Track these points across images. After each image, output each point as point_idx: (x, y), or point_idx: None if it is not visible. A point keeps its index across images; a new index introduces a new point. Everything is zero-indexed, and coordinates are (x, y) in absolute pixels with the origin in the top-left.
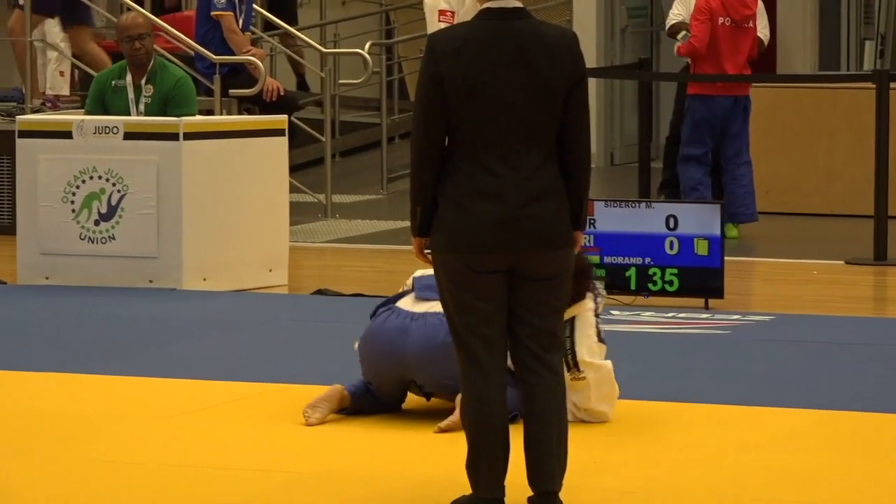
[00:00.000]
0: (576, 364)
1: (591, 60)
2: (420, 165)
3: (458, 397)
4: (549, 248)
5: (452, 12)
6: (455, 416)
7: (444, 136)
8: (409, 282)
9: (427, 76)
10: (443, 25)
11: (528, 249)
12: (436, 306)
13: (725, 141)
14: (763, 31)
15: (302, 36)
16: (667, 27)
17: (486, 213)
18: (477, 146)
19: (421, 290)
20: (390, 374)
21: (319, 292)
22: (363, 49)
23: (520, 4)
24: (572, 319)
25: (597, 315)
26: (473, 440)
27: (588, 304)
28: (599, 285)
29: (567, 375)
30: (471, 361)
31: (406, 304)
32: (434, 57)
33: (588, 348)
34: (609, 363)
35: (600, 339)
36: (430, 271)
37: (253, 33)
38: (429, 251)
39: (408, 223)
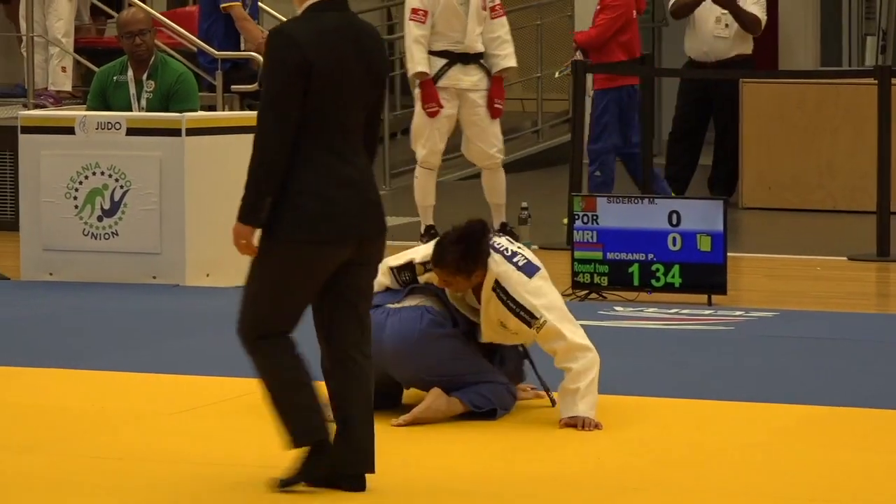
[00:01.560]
0: (530, 314)
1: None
2: (275, 155)
3: (433, 390)
4: (385, 231)
5: (425, 12)
6: (417, 411)
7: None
8: (386, 276)
9: (292, 66)
10: (412, 24)
11: (375, 234)
12: (417, 299)
13: (631, 130)
14: (754, 8)
15: None
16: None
17: (348, 202)
18: (332, 135)
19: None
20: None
21: None
22: None
23: None
24: (497, 283)
25: (514, 261)
26: (278, 399)
27: (495, 268)
28: (498, 238)
29: (532, 330)
30: (272, 332)
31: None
32: (299, 47)
33: (529, 293)
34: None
35: (529, 272)
36: (402, 259)
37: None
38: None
39: (409, 218)
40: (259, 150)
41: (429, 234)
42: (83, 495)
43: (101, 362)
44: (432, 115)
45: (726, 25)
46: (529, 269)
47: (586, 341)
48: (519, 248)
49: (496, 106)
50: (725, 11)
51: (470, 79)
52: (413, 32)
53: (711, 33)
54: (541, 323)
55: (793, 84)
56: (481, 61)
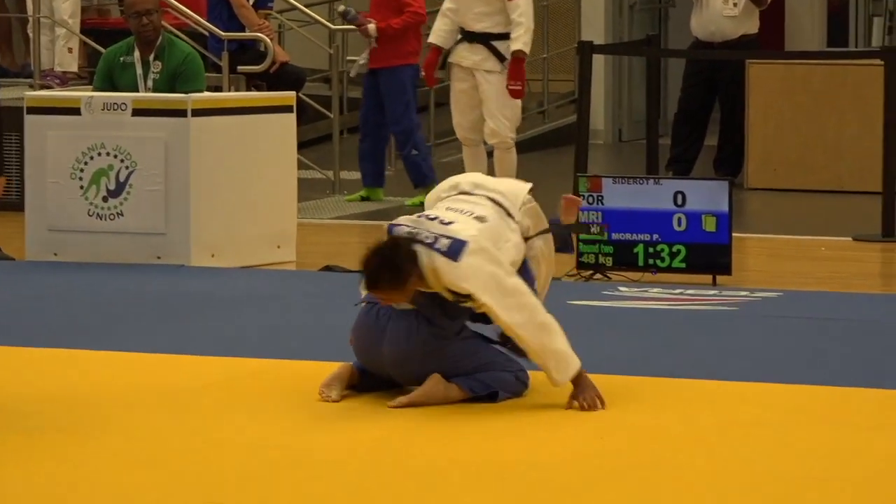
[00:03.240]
0: (468, 297)
1: (599, 37)
2: None
3: (432, 376)
4: None
5: None
6: (414, 395)
7: None
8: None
9: None
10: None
11: None
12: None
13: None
14: None
15: (309, 12)
16: None
17: None
18: None
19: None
20: (374, 369)
21: (327, 268)
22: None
23: None
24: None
25: (436, 247)
26: None
27: (428, 263)
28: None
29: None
30: None
31: None
32: None
33: (460, 279)
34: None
35: (454, 254)
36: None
37: (270, 10)
38: None
39: (417, 198)
40: None
41: None
42: (89, 476)
43: (105, 342)
44: (427, 83)
45: (734, 4)
46: (454, 251)
47: (522, 315)
48: (443, 222)
49: (509, 87)
50: None
51: (473, 57)
52: (444, 5)
53: (720, 13)
54: (480, 304)
55: (799, 65)
56: (494, 42)
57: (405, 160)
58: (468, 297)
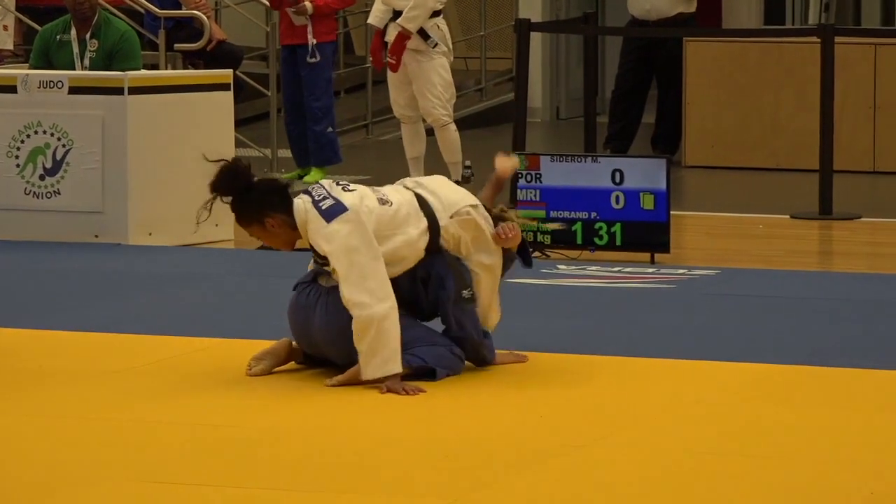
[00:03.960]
0: (325, 260)
1: (536, 14)
2: None
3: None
4: None
5: None
6: (349, 372)
7: None
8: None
9: None
10: None
11: None
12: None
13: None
14: None
15: None
16: None
17: None
18: None
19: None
20: (311, 349)
21: (265, 247)
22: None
23: None
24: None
25: (319, 205)
26: None
27: (302, 215)
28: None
29: None
30: None
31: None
32: None
33: (323, 238)
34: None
35: (329, 215)
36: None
37: None
38: None
39: (354, 177)
40: None
41: None
42: (25, 454)
43: (42, 321)
44: (375, 66)
45: None
46: (330, 212)
47: (363, 296)
48: (345, 189)
49: (387, 60)
50: None
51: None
52: None
53: None
54: (332, 269)
55: (736, 42)
56: None
57: (318, 137)
58: (326, 260)
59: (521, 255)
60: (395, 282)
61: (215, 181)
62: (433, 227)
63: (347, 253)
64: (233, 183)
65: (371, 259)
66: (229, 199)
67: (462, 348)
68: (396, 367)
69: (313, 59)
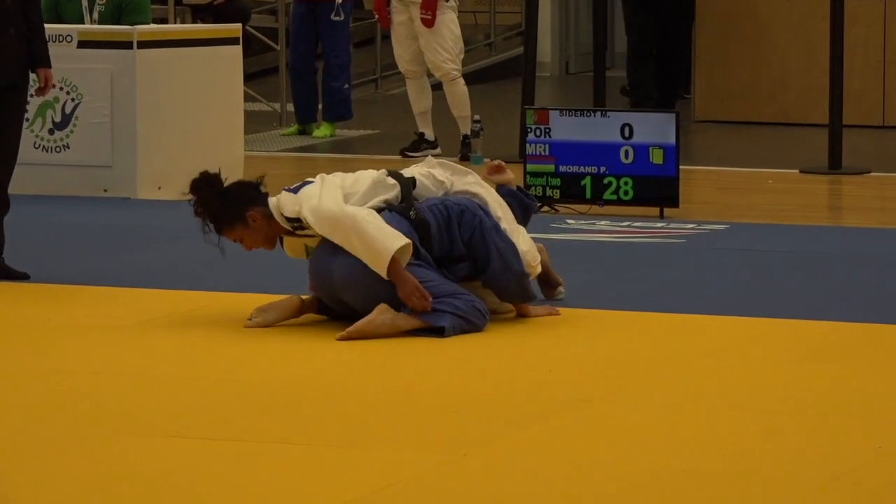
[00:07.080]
0: (298, 222)
1: None
2: None
3: (380, 305)
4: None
5: None
6: (360, 324)
7: None
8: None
9: None
10: None
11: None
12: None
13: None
14: None
15: None
16: None
17: None
18: None
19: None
20: (328, 298)
21: None
22: None
23: None
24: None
25: (290, 188)
26: None
27: (274, 202)
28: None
29: (317, 235)
30: None
31: None
32: None
33: (291, 202)
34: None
35: (297, 189)
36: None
37: None
38: None
39: (364, 132)
40: None
41: (422, 140)
42: (35, 410)
43: (51, 275)
44: (381, 24)
45: None
46: (299, 187)
47: (336, 205)
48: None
49: (421, 17)
50: None
51: None
52: None
53: None
54: (304, 216)
55: None
56: None
57: (335, 92)
58: (300, 222)
59: (521, 193)
60: (427, 233)
61: (196, 198)
62: (405, 186)
63: (317, 190)
64: (211, 190)
65: (335, 187)
66: (212, 208)
67: (504, 285)
68: (401, 239)
69: (338, 18)
